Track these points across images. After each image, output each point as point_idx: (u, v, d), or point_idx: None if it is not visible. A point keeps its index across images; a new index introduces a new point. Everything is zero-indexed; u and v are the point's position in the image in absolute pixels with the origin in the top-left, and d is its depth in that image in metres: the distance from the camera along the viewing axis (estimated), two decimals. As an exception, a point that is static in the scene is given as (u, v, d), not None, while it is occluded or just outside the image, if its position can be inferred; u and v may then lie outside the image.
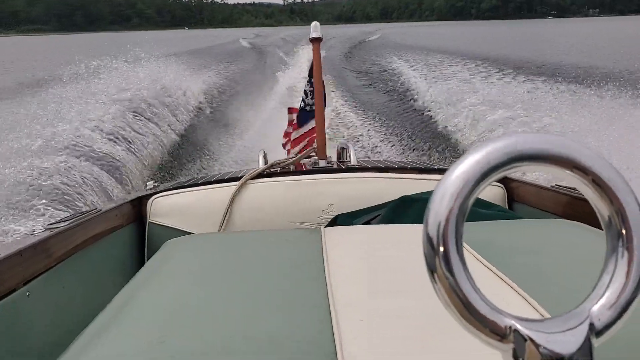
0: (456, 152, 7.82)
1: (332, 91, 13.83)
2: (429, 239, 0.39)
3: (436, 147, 8.36)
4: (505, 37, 43.44)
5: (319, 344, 0.81)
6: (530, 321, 0.37)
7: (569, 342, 0.35)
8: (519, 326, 0.36)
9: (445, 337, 0.81)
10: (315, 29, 2.39)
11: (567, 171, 0.39)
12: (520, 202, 2.09)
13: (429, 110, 10.18)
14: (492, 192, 2.06)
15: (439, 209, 0.39)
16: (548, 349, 0.35)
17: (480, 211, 1.77)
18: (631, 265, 0.38)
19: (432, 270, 0.39)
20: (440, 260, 0.38)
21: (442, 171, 2.22)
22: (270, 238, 1.44)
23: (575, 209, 1.75)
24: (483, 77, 13.43)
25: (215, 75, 16.94)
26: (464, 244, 1.25)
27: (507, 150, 0.38)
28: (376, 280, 1.07)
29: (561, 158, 0.38)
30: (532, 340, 0.35)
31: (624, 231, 0.38)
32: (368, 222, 1.85)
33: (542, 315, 0.83)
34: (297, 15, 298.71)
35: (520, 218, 1.83)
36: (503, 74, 13.70)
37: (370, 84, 16.03)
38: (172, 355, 0.80)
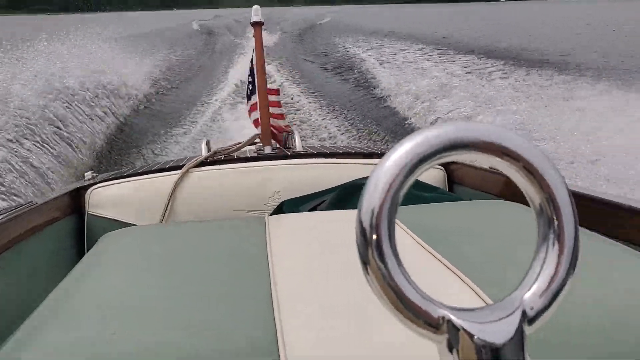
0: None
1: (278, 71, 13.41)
2: (361, 230, 0.37)
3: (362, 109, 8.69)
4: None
5: (261, 335, 0.77)
6: (463, 311, 0.36)
7: (502, 331, 0.34)
8: (452, 316, 0.35)
9: (393, 325, 0.73)
10: (255, 12, 2.26)
11: (498, 159, 0.38)
12: (460, 184, 2.03)
13: (376, 87, 10.28)
14: (432, 175, 2.01)
15: (371, 200, 0.37)
16: (481, 338, 0.34)
17: (421, 194, 1.72)
18: (562, 253, 0.37)
19: (364, 261, 0.36)
20: (372, 251, 0.36)
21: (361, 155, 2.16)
22: (213, 228, 1.37)
23: (514, 189, 1.54)
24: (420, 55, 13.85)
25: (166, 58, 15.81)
26: (406, 228, 1.12)
27: (439, 139, 0.37)
28: (321, 267, 1.02)
29: (492, 146, 0.37)
30: (465, 330, 0.34)
31: (554, 218, 0.37)
32: (314, 208, 1.77)
33: (483, 300, 0.81)
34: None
35: (461, 200, 1.76)
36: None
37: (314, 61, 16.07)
38: (108, 350, 0.74)
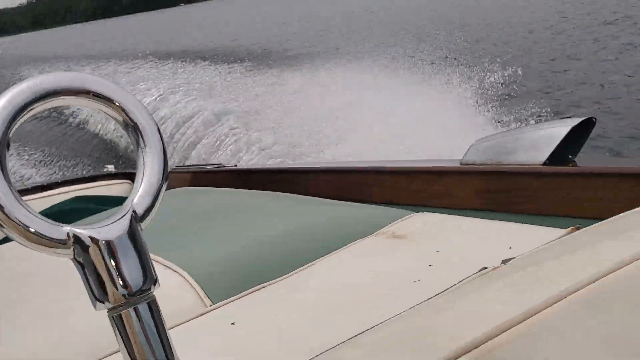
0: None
1: None
2: None
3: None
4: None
5: None
6: (85, 225, 0.39)
7: (117, 229, 0.39)
8: (76, 230, 0.38)
9: (71, 293, 0.82)
10: None
11: (91, 101, 0.40)
12: None
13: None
14: (122, 189, 2.08)
15: None
16: (100, 239, 0.38)
17: (110, 208, 1.76)
18: (153, 160, 0.41)
19: None
20: None
21: (67, 182, 2.10)
22: None
23: (199, 179, 1.95)
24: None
25: None
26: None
27: (32, 89, 0.38)
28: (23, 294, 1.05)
29: (80, 90, 0.40)
30: (88, 237, 0.38)
31: (140, 134, 0.41)
32: None
33: None
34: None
35: None
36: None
37: None
38: None
